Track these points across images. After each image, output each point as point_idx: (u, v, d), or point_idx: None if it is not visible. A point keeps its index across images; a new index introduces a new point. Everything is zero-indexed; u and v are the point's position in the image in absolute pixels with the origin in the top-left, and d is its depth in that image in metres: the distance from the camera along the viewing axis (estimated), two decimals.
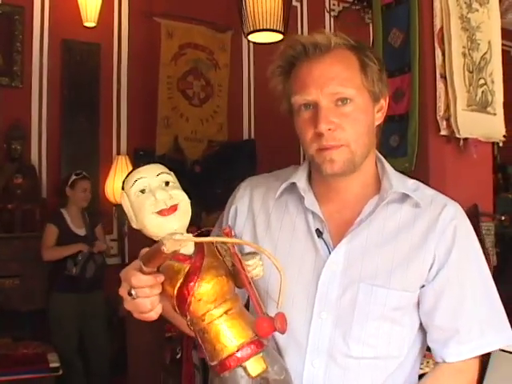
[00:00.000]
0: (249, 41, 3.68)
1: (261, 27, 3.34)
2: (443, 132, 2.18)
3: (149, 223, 0.81)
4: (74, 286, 3.67)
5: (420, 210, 1.05)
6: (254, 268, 0.86)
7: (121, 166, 4.38)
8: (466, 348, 1.02)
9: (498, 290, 1.09)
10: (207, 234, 1.00)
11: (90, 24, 4.17)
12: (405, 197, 1.06)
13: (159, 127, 4.82)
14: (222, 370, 0.84)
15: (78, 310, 3.69)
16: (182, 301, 0.84)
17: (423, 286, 1.03)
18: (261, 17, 3.33)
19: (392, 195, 1.05)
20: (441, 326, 1.04)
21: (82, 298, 3.69)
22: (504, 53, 2.40)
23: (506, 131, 2.36)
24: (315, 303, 1.03)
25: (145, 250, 0.84)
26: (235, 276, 0.87)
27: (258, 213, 1.13)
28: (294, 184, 1.10)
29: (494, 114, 2.32)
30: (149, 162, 0.89)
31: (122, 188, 0.86)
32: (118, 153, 4.73)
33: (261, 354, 0.84)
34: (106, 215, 4.45)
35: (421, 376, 1.10)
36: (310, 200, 1.08)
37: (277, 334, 0.86)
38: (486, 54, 2.30)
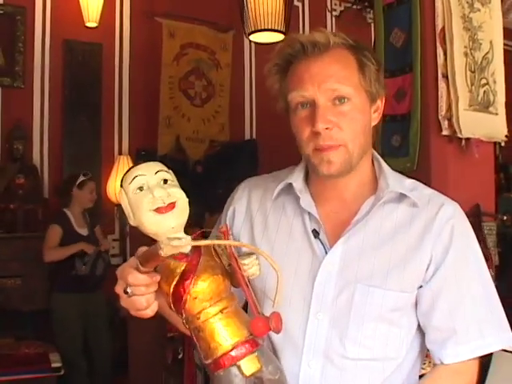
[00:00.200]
0: (250, 41, 3.68)
1: (262, 27, 3.34)
2: (445, 132, 2.18)
3: (146, 220, 0.81)
4: (77, 285, 3.67)
5: (417, 209, 1.05)
6: (250, 267, 0.86)
7: (122, 166, 4.38)
8: (464, 349, 1.01)
9: (499, 289, 1.08)
10: (207, 235, 1.00)
11: (92, 24, 4.19)
12: (402, 196, 1.06)
13: (161, 127, 4.83)
14: (216, 369, 0.84)
15: (82, 310, 3.70)
16: (177, 299, 0.84)
17: (421, 287, 1.03)
18: (262, 17, 3.34)
19: (388, 195, 1.04)
20: (438, 326, 1.03)
21: (85, 298, 3.69)
22: (506, 52, 2.39)
23: (508, 131, 2.35)
24: (311, 304, 1.02)
25: (142, 249, 0.84)
26: (232, 275, 0.87)
27: (256, 214, 1.13)
28: (290, 185, 1.10)
29: (496, 114, 2.31)
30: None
31: (121, 185, 0.86)
32: (120, 153, 4.74)
33: (255, 354, 0.84)
34: (108, 215, 4.46)
35: (421, 377, 1.09)
36: (306, 200, 1.08)
37: (273, 334, 0.86)
38: (487, 53, 2.30)
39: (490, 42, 2.30)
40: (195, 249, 0.86)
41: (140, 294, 0.84)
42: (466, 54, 2.21)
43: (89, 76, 4.60)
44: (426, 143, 2.19)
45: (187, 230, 0.86)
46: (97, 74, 4.65)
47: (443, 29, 2.20)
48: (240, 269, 0.84)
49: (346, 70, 1.01)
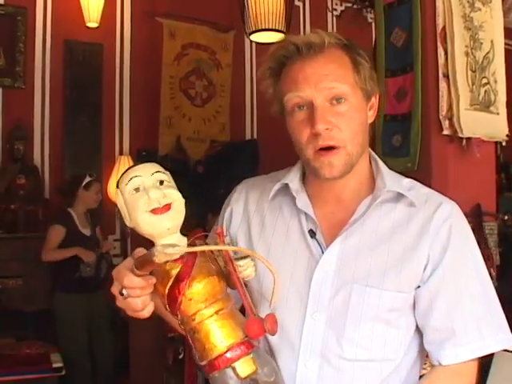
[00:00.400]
0: (251, 41, 3.68)
1: (263, 27, 3.34)
2: (446, 131, 2.17)
3: (142, 221, 0.81)
4: (80, 286, 3.67)
5: (415, 209, 1.04)
6: (245, 269, 0.86)
7: (123, 166, 4.38)
8: (462, 350, 1.00)
9: (500, 289, 1.07)
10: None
11: (93, 24, 4.19)
12: (399, 196, 1.05)
13: (162, 127, 4.83)
14: (211, 371, 0.83)
15: (87, 311, 3.69)
16: (173, 300, 0.83)
17: (418, 287, 1.02)
18: (263, 17, 3.34)
19: (386, 194, 1.04)
20: (436, 326, 1.02)
21: (88, 298, 3.69)
22: (507, 52, 2.38)
23: (509, 130, 2.34)
24: (308, 304, 1.02)
25: (139, 250, 0.84)
26: (227, 277, 0.87)
27: (253, 215, 1.13)
28: (287, 185, 1.10)
29: (497, 114, 2.30)
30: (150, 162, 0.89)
31: (117, 186, 0.86)
32: (121, 153, 4.74)
33: (251, 356, 0.84)
34: (109, 215, 4.45)
35: (420, 378, 1.09)
36: (302, 201, 1.07)
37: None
38: (488, 53, 2.29)
39: (491, 42, 2.30)
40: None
41: (135, 295, 0.84)
42: (466, 54, 2.21)
43: (89, 76, 4.61)
44: (427, 143, 2.19)
45: (189, 230, 0.86)
46: (97, 74, 4.65)
47: (444, 28, 2.19)
48: (235, 270, 0.84)
49: (342, 69, 1.01)
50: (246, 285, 0.89)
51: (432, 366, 1.06)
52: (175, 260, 0.83)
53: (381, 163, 1.10)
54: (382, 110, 2.30)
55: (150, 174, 0.84)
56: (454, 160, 2.22)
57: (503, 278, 2.22)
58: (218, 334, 0.83)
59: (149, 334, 3.22)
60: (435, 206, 1.04)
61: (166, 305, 0.85)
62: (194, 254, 0.85)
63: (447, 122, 2.17)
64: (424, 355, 1.09)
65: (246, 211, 1.15)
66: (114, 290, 0.87)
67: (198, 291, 0.83)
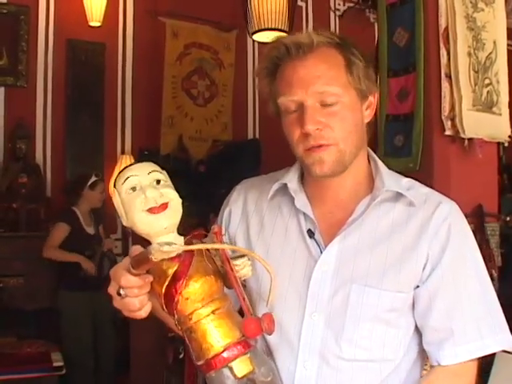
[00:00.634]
0: (254, 40, 3.68)
1: (266, 27, 3.35)
2: (448, 132, 2.17)
3: (138, 221, 0.81)
4: (84, 284, 3.67)
5: (414, 208, 1.04)
6: (242, 268, 0.86)
7: (125, 165, 4.37)
8: (461, 350, 1.00)
9: (502, 290, 1.07)
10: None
11: (95, 24, 4.20)
12: (398, 196, 1.05)
13: (164, 127, 4.83)
14: (207, 370, 0.83)
15: (90, 309, 3.70)
16: (169, 299, 0.83)
17: (417, 287, 1.02)
18: (266, 16, 3.34)
19: (384, 194, 1.03)
20: (435, 326, 1.01)
21: (92, 297, 3.69)
22: (509, 53, 2.38)
23: None
24: (307, 303, 1.01)
25: (136, 248, 0.83)
26: (225, 276, 0.86)
27: (252, 215, 1.13)
28: (286, 185, 1.09)
29: (500, 114, 2.30)
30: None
31: (114, 185, 0.86)
32: (123, 152, 4.75)
33: (248, 355, 0.83)
34: (110, 214, 4.45)
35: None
36: (300, 201, 1.07)
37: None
38: (491, 53, 2.28)
39: (494, 42, 2.29)
40: (188, 250, 0.85)
41: (133, 295, 0.83)
42: (469, 54, 2.20)
43: (92, 75, 4.61)
44: (429, 143, 2.18)
45: (187, 230, 0.86)
46: (100, 73, 4.65)
47: (447, 28, 2.19)
48: (232, 270, 0.84)
49: (333, 69, 1.00)
50: (244, 285, 0.89)
51: (431, 366, 1.05)
52: (172, 259, 0.82)
53: (380, 163, 1.09)
54: (384, 110, 2.30)
55: (146, 174, 0.84)
56: (456, 160, 2.21)
57: (505, 280, 2.22)
58: (214, 333, 0.82)
59: (149, 334, 3.22)
60: (434, 205, 1.04)
61: (162, 304, 0.84)
62: (191, 253, 0.84)
63: (449, 123, 2.16)
64: (424, 356, 1.08)
65: (245, 211, 1.15)
66: (111, 290, 0.87)
67: (195, 290, 0.82)
